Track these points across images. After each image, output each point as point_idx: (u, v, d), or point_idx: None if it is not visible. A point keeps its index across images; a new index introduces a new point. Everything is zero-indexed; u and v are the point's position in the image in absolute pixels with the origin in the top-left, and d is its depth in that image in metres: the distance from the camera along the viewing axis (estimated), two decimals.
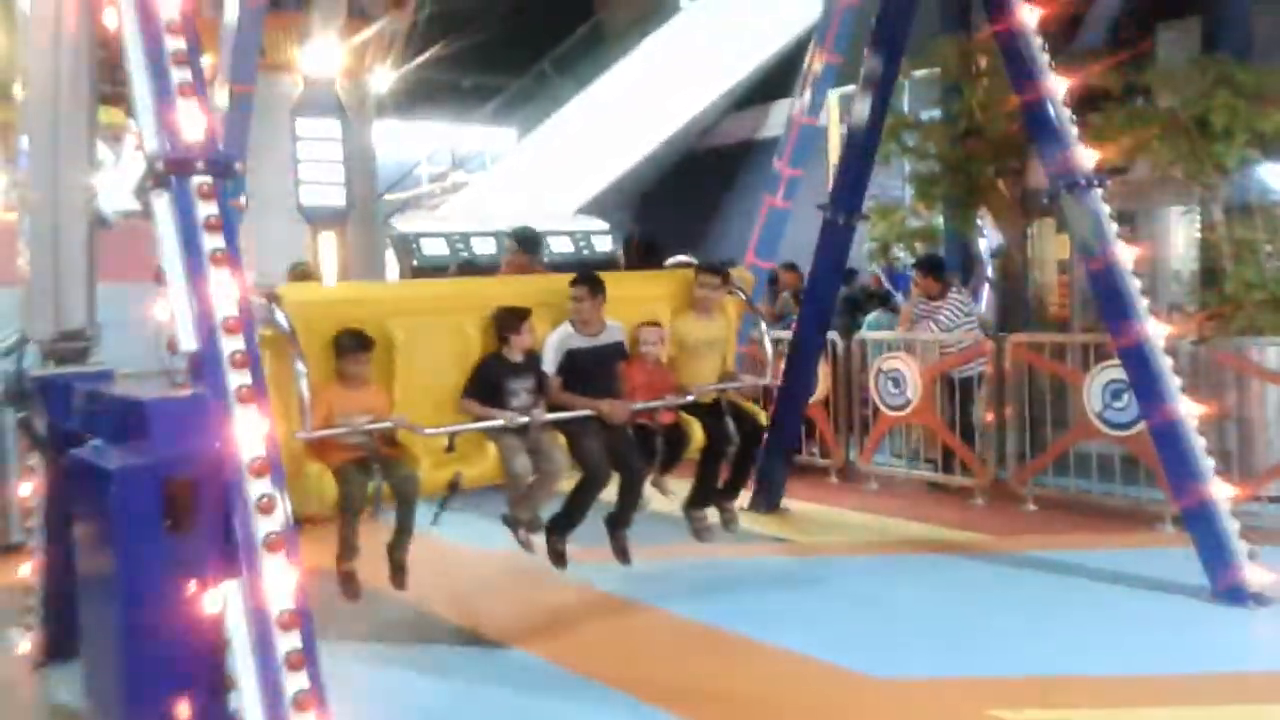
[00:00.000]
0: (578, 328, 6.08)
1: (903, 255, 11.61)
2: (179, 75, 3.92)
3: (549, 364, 5.98)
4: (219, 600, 3.54)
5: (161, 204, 3.84)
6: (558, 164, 17.80)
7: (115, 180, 10.73)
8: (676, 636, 5.68)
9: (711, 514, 6.52)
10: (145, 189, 3.88)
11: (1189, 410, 5.98)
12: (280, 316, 4.95)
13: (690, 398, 6.30)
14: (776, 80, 18.59)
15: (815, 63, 7.58)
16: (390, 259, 13.94)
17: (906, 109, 11.50)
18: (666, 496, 6.50)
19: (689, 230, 19.45)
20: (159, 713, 3.71)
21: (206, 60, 4.56)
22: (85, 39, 5.05)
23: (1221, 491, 5.91)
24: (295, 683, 3.46)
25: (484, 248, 14.31)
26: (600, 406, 5.93)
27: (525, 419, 5.70)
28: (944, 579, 6.52)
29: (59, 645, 5.16)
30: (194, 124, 3.90)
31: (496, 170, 19.85)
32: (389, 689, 5.11)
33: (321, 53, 12.33)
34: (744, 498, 6.77)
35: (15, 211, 5.57)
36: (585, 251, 14.87)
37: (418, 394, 5.56)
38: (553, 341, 6.03)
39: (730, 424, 6.45)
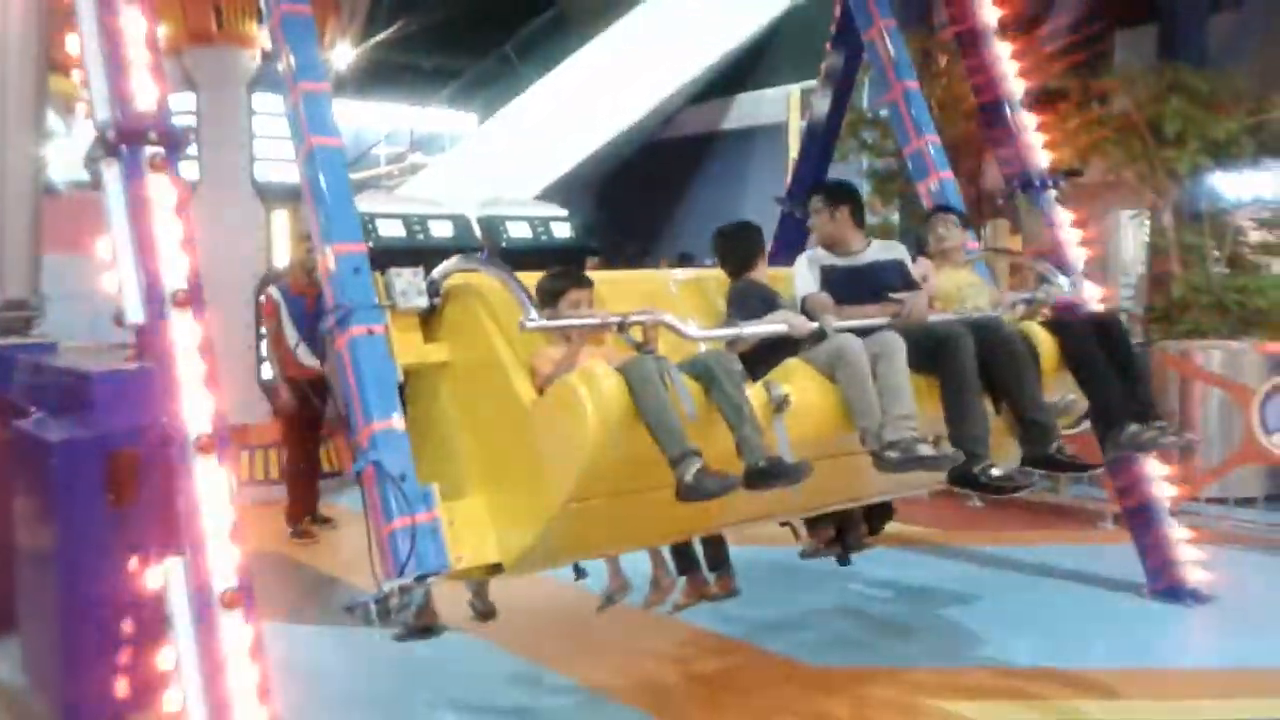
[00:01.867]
0: (829, 249, 4.84)
1: None
2: (132, 42, 3.85)
3: (807, 285, 4.68)
4: (160, 576, 3.50)
5: (111, 174, 3.78)
6: (518, 149, 17.70)
7: (66, 150, 10.54)
8: (621, 623, 5.67)
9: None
10: (95, 158, 3.81)
11: None
12: (453, 262, 4.06)
13: (1001, 310, 4.98)
14: (739, 73, 18.64)
15: (880, 37, 6.86)
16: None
17: (866, 105, 11.55)
18: (1073, 411, 5.02)
19: (649, 220, 19.47)
20: (98, 687, 3.68)
21: (161, 30, 4.48)
22: (36, 4, 4.96)
23: (1162, 491, 6.01)
24: (237, 662, 3.43)
25: (442, 231, 14.17)
26: (891, 308, 4.49)
27: (815, 326, 4.23)
28: (890, 571, 6.58)
29: None
30: (146, 93, 3.83)
31: (456, 153, 19.72)
32: (333, 672, 5.07)
33: None
34: None
35: None
36: (544, 237, 14.77)
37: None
38: (800, 263, 4.80)
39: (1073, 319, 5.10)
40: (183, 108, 8.73)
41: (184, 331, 3.66)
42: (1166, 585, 5.93)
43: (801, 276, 4.71)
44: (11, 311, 5.12)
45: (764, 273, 4.75)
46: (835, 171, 8.80)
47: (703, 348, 4.16)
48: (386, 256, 12.37)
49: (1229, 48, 9.54)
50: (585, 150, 18.22)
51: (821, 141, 8.12)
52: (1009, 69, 6.44)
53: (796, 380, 4.02)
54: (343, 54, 13.90)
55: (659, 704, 4.64)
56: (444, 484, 3.77)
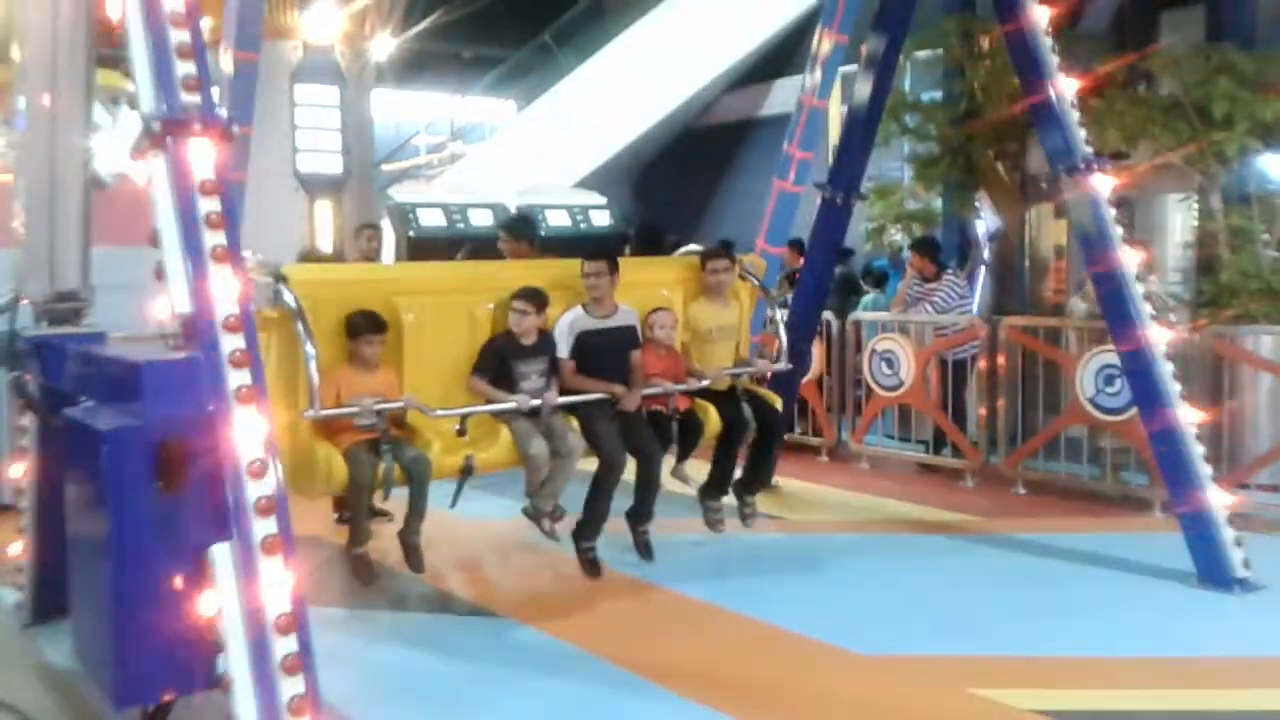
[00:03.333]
0: (590, 309, 6.05)
1: (899, 237, 11.60)
2: (177, 36, 3.89)
3: (562, 347, 5.95)
4: (209, 563, 3.54)
5: (158, 165, 3.82)
6: (556, 137, 17.71)
7: (112, 142, 10.67)
8: (668, 612, 5.70)
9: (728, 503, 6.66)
10: (141, 150, 3.86)
11: (1188, 417, 5.99)
12: (288, 295, 5.02)
13: (705, 382, 6.29)
14: (778, 58, 18.51)
15: (823, 43, 7.46)
16: (386, 229, 13.88)
17: (908, 90, 11.46)
18: (688, 485, 6.55)
19: (687, 207, 19.42)
20: (147, 673, 3.73)
21: (207, 23, 4.52)
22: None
23: (1214, 492, 5.94)
24: (285, 646, 3.47)
25: (481, 220, 14.23)
26: (614, 389, 5.90)
27: (536, 402, 5.68)
28: (931, 559, 6.56)
29: (49, 605, 5.17)
30: (191, 85, 3.87)
31: (495, 142, 19.76)
32: (383, 659, 5.12)
33: (322, 18, 12.26)
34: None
35: (11, 173, 5.53)
36: (583, 225, 14.80)
37: (427, 377, 5.58)
38: (564, 324, 5.99)
39: (747, 410, 6.43)
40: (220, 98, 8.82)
41: (230, 321, 3.70)
42: (1215, 573, 5.86)
43: (561, 337, 5.98)
44: (62, 303, 5.20)
45: (537, 321, 5.88)
46: (876, 156, 8.74)
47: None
48: (427, 244, 12.52)
49: (1276, 28, 9.35)
50: (624, 138, 18.20)
51: (863, 126, 8.09)
52: (1055, 50, 6.35)
53: (500, 443, 5.67)
54: (383, 44, 13.96)
55: (696, 690, 4.65)
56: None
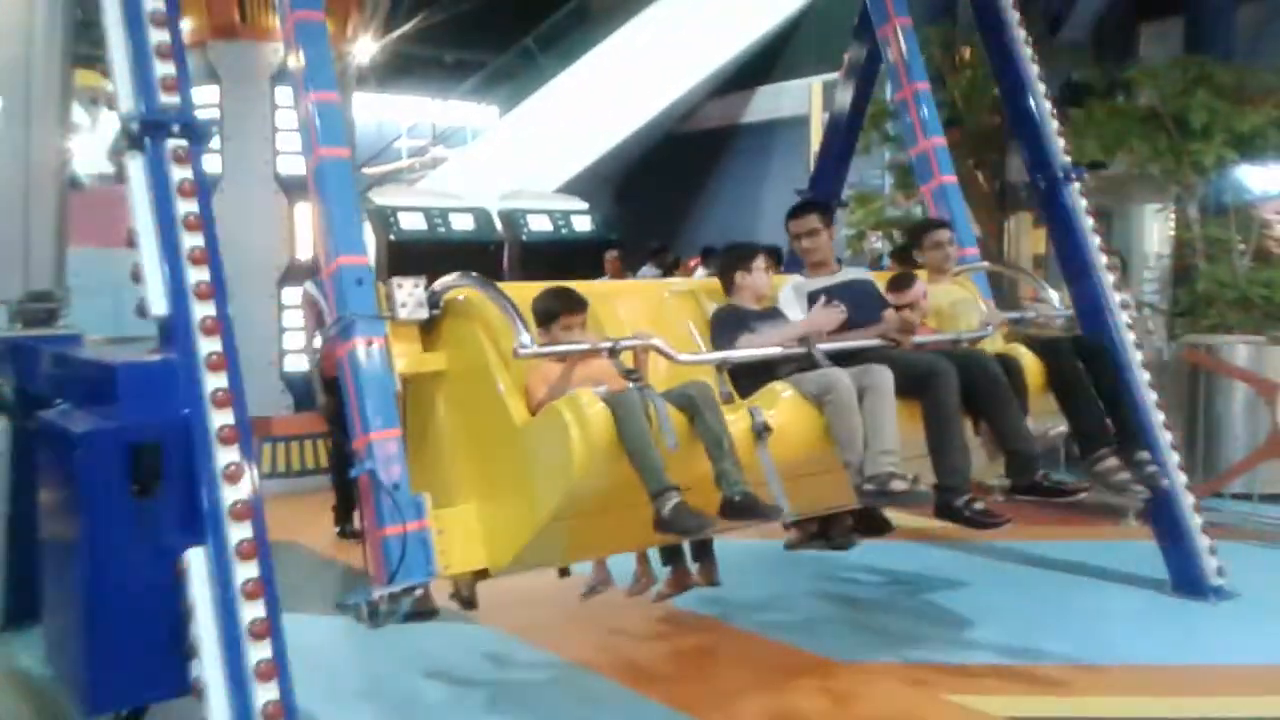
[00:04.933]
0: (808, 273, 5.04)
1: (880, 244, 11.64)
2: (156, 36, 3.87)
3: (794, 312, 4.79)
4: (183, 567, 3.52)
5: (135, 166, 3.80)
6: (539, 142, 17.72)
7: (91, 143, 10.62)
8: (640, 617, 5.69)
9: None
10: (119, 151, 3.84)
11: (1162, 426, 6.02)
12: (452, 290, 4.15)
13: (990, 329, 5.07)
14: (761, 65, 18.59)
15: (895, 36, 6.72)
16: (367, 231, 13.83)
17: (889, 98, 11.50)
18: (1054, 437, 5.34)
19: (669, 213, 19.45)
20: (120, 679, 3.70)
21: (186, 24, 4.48)
22: None
23: (1189, 500, 5.96)
24: (259, 652, 3.45)
25: (463, 224, 14.21)
26: (882, 328, 4.67)
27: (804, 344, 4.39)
28: (907, 565, 6.57)
29: (21, 610, 5.12)
30: (170, 86, 3.85)
31: (477, 146, 19.75)
32: (357, 664, 5.10)
33: None
34: None
35: None
36: (564, 231, 14.79)
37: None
38: (787, 291, 4.90)
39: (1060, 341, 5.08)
40: (206, 101, 8.78)
41: (207, 323, 3.68)
42: (1190, 582, 5.89)
43: (788, 304, 4.81)
44: (37, 304, 5.16)
45: (758, 282, 4.78)
46: (857, 164, 8.77)
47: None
48: (407, 248, 12.45)
49: (1255, 41, 9.45)
50: (607, 143, 18.22)
51: (844, 134, 8.09)
52: (1033, 61, 6.39)
53: (781, 405, 4.11)
54: (365, 47, 13.93)
55: (669, 695, 4.64)
56: (437, 487, 3.93)
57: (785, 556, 6.61)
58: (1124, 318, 6.14)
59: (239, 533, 3.53)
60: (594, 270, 12.32)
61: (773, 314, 4.76)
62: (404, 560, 3.66)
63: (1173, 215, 9.09)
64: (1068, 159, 6.34)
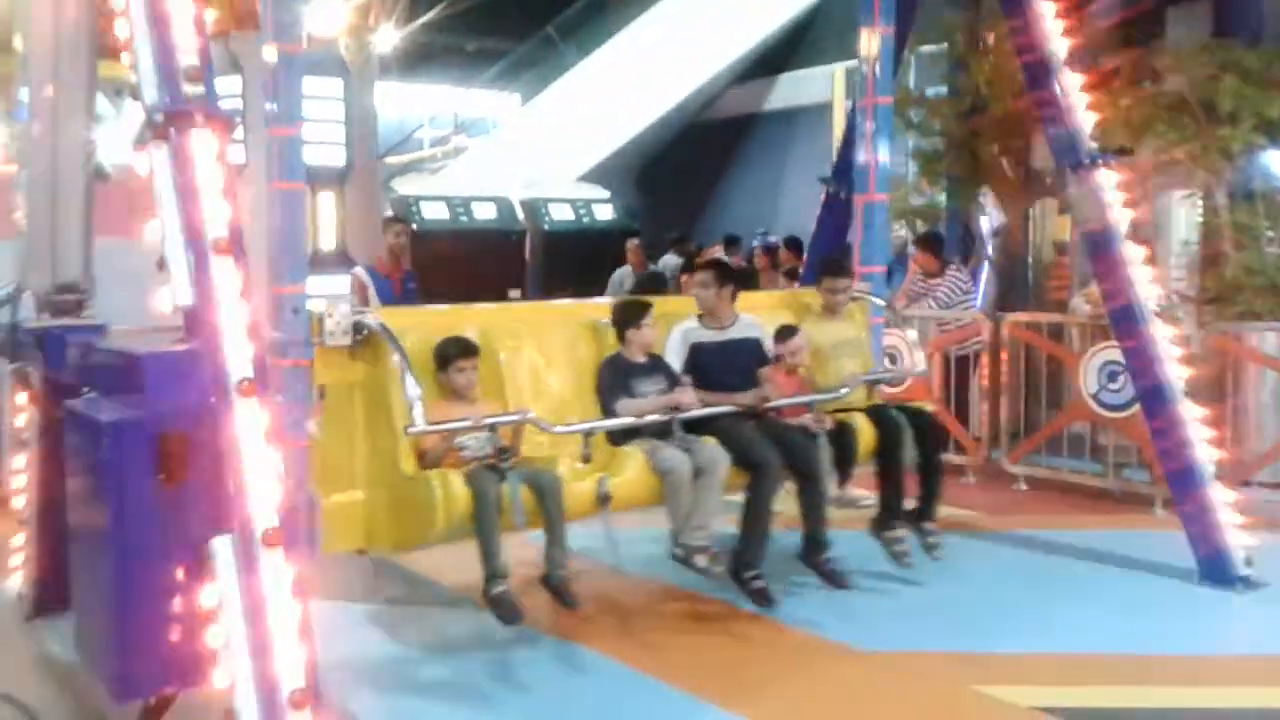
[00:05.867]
0: (703, 321, 5.60)
1: (903, 232, 11.58)
2: (180, 26, 3.88)
3: (674, 360, 5.44)
4: (210, 555, 3.54)
5: (160, 157, 3.81)
6: (560, 131, 17.71)
7: (116, 134, 10.67)
8: (666, 605, 5.70)
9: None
10: (144, 141, 3.85)
11: (1190, 413, 5.98)
12: (372, 319, 4.73)
13: (844, 391, 5.70)
14: (783, 52, 18.49)
15: (872, 40, 6.95)
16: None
17: (912, 85, 11.44)
18: (859, 508, 6.04)
19: (691, 202, 19.41)
20: (150, 665, 3.73)
21: (210, 14, 4.51)
22: None
23: (1217, 489, 5.92)
24: (284, 640, 3.46)
25: (484, 213, 14.25)
26: (744, 398, 5.35)
27: (669, 412, 5.09)
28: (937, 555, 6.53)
29: (50, 598, 5.16)
30: (194, 77, 3.86)
31: (499, 135, 19.74)
32: (388, 652, 5.12)
33: (325, 11, 12.23)
34: None
35: (14, 164, 5.53)
36: (586, 219, 14.81)
37: (533, 408, 4.99)
38: (675, 336, 5.51)
39: (897, 414, 5.85)
40: (229, 91, 8.80)
41: (232, 312, 3.69)
42: (1216, 571, 5.84)
43: (673, 351, 5.48)
44: (64, 294, 5.20)
45: (646, 336, 5.37)
46: None
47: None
48: (431, 238, 12.52)
49: None
50: (628, 132, 18.19)
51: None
52: (1059, 46, 6.33)
53: (629, 469, 5.02)
54: (386, 37, 13.94)
55: (695, 683, 4.64)
56: (338, 475, 4.79)
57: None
58: (1151, 305, 6.07)
59: (265, 521, 3.54)
60: (615, 258, 12.33)
61: (653, 366, 5.36)
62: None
63: (1200, 202, 9.00)
64: (1094, 145, 6.28)
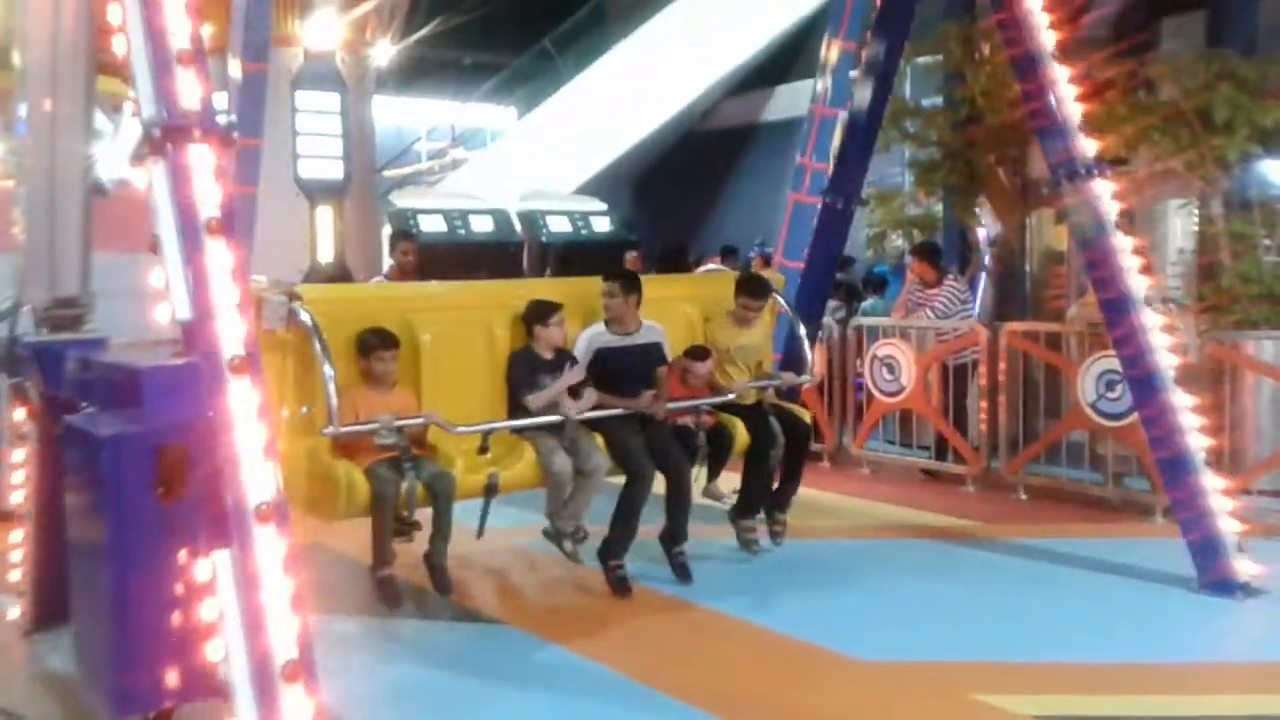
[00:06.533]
0: (610, 326, 6.00)
1: (900, 243, 11.61)
2: (177, 42, 3.89)
3: (580, 360, 5.86)
4: (210, 569, 3.54)
5: (158, 172, 3.82)
6: (557, 143, 17.74)
7: (113, 149, 10.70)
8: (665, 617, 5.70)
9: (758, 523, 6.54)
10: (141, 156, 3.86)
11: (1181, 401, 5.99)
12: (304, 313, 5.01)
13: (730, 396, 6.20)
14: (780, 63, 18.55)
15: (832, 51, 7.35)
16: (388, 235, 13.91)
17: (908, 95, 11.47)
18: (721, 503, 6.47)
19: (688, 213, 19.45)
20: (149, 680, 3.73)
21: (207, 29, 4.54)
22: (84, 6, 5.02)
23: (1211, 482, 5.92)
24: (285, 653, 3.46)
25: (482, 225, 14.27)
26: (638, 402, 5.83)
27: (564, 414, 5.57)
28: (933, 564, 6.54)
29: (49, 612, 5.16)
30: (191, 92, 3.88)
31: (496, 148, 19.79)
32: (393, 669, 5.11)
33: (322, 25, 12.28)
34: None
35: (12, 179, 5.54)
36: (584, 231, 14.82)
37: (445, 397, 5.52)
38: (583, 339, 5.95)
39: (774, 423, 6.33)
40: (226, 106, 8.83)
41: (230, 327, 3.70)
42: (1216, 579, 5.84)
43: (579, 354, 5.88)
44: (62, 309, 5.20)
45: (554, 334, 5.80)
46: (877, 161, 8.74)
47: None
48: (428, 250, 12.51)
49: (1277, 34, 9.36)
50: (625, 143, 18.23)
51: (863, 132, 8.06)
52: (1054, 56, 6.35)
53: (523, 461, 5.55)
54: (384, 51, 13.99)
55: (695, 696, 4.63)
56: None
57: (808, 556, 6.62)
58: (1148, 314, 6.08)
59: (264, 534, 3.54)
60: (614, 270, 12.32)
61: (559, 362, 5.75)
62: None
63: (1196, 211, 9.02)
64: (1090, 155, 6.30)
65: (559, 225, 14.70)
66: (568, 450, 5.59)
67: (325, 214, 11.81)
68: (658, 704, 4.60)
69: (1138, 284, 6.12)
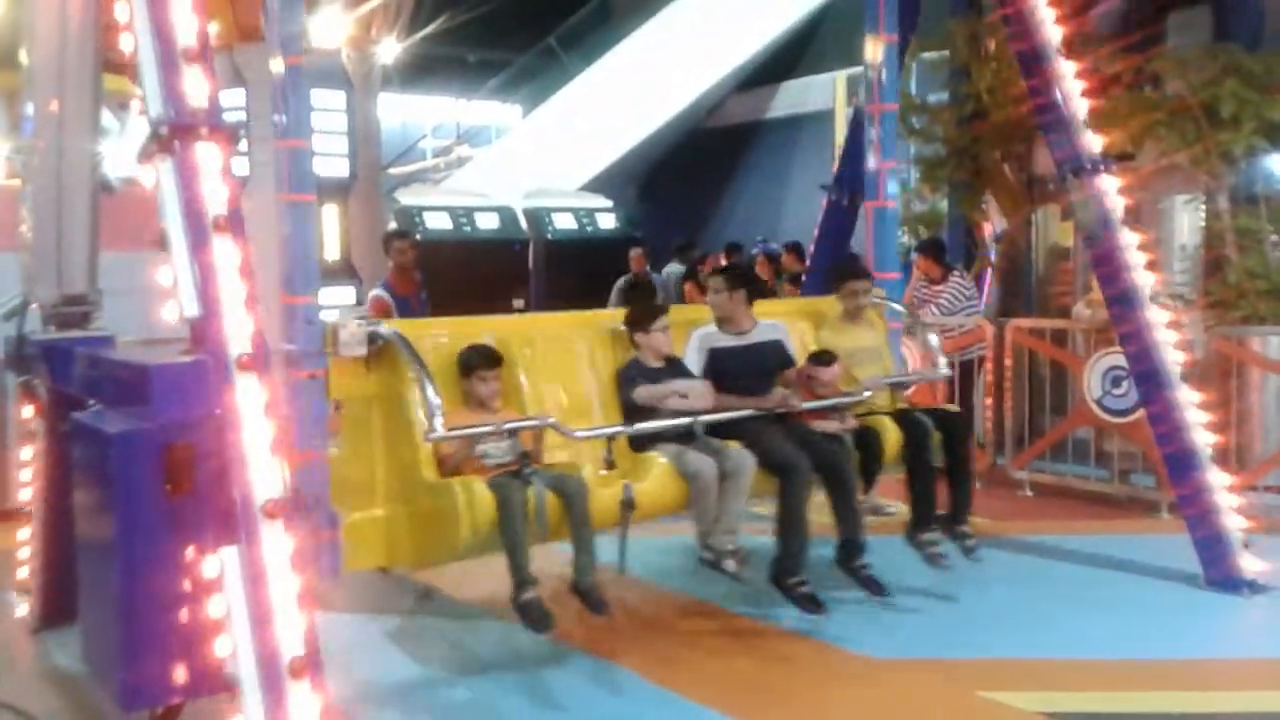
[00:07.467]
0: (722, 327, 5.58)
1: (905, 239, 11.59)
2: (184, 40, 3.90)
3: (693, 366, 5.41)
4: (217, 566, 3.55)
5: (165, 169, 3.83)
6: (563, 140, 17.75)
7: (121, 147, 10.72)
8: (673, 613, 5.70)
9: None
10: (149, 154, 3.87)
11: (1187, 398, 5.98)
12: (385, 329, 4.68)
13: (867, 394, 5.62)
14: (785, 60, 18.54)
15: (876, 49, 7.08)
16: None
17: (914, 91, 11.44)
18: (884, 514, 6.09)
19: (694, 210, 19.44)
20: (157, 676, 3.74)
21: (213, 27, 4.54)
22: (91, 4, 5.04)
23: (1217, 479, 5.92)
24: (292, 650, 3.47)
25: (488, 223, 14.29)
26: (768, 401, 5.27)
27: (693, 415, 5.02)
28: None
29: (57, 610, 5.18)
30: (198, 89, 3.89)
31: (501, 145, 19.79)
32: (401, 663, 5.13)
33: (328, 23, 12.29)
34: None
35: (19, 178, 5.56)
36: (589, 228, 14.83)
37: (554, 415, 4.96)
38: (693, 342, 5.50)
39: (923, 417, 5.80)
40: (233, 104, 8.84)
41: (237, 325, 3.71)
42: (1222, 575, 5.84)
43: (691, 357, 5.41)
44: (70, 307, 5.22)
45: (657, 341, 5.30)
46: None
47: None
48: (434, 248, 12.53)
49: None
50: (630, 140, 18.24)
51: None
52: (1060, 51, 6.34)
53: (655, 474, 4.94)
54: (389, 49, 13.99)
55: (709, 695, 4.64)
56: (359, 491, 4.75)
57: (814, 555, 6.59)
58: (1154, 311, 6.07)
59: (272, 531, 3.56)
60: (619, 267, 12.35)
61: (671, 370, 5.29)
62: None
63: (1203, 206, 9.00)
64: (1095, 150, 6.29)
65: (564, 222, 14.72)
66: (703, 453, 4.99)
67: (331, 212, 11.83)
68: (667, 700, 4.61)
69: (1144, 280, 6.11)
